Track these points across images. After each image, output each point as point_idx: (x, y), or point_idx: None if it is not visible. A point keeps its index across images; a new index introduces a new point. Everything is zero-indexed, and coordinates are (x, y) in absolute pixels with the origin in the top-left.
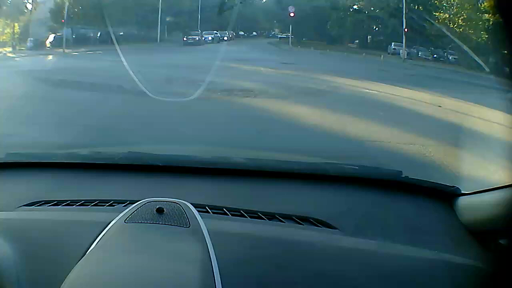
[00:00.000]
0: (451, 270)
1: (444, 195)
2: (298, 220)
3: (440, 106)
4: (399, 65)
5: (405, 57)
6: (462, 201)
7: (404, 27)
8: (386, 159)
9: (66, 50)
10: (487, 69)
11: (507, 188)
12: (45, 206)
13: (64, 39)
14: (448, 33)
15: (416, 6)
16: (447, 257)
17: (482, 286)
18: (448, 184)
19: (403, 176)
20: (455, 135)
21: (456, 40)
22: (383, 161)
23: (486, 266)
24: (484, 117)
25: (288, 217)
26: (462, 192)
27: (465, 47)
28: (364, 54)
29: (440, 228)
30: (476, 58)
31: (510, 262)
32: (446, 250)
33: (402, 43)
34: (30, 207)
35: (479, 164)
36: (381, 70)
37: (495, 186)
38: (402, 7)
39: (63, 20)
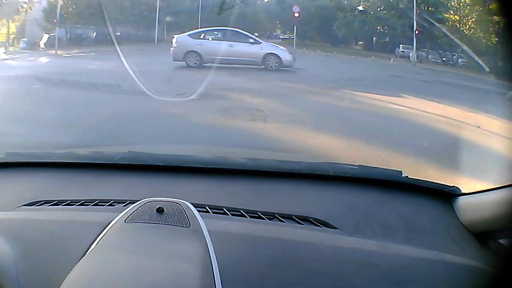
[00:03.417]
0: (451, 270)
1: (444, 195)
2: (298, 220)
3: (479, 127)
4: (411, 69)
5: (416, 60)
6: (462, 201)
7: (414, 29)
8: (387, 159)
9: (59, 51)
10: (487, 69)
11: (507, 188)
12: (45, 206)
13: (56, 40)
14: (458, 36)
15: (426, 7)
16: (447, 257)
17: (482, 286)
18: (448, 184)
19: (403, 176)
20: (455, 135)
21: (463, 45)
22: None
23: (486, 266)
24: (484, 117)
25: (288, 217)
26: (462, 192)
27: (469, 51)
28: (372, 57)
29: (440, 228)
30: (480, 62)
31: (510, 262)
32: (446, 250)
33: (412, 45)
34: (30, 206)
35: (479, 164)
36: (395, 76)
37: (495, 186)
38: (413, 8)
39: (55, 20)
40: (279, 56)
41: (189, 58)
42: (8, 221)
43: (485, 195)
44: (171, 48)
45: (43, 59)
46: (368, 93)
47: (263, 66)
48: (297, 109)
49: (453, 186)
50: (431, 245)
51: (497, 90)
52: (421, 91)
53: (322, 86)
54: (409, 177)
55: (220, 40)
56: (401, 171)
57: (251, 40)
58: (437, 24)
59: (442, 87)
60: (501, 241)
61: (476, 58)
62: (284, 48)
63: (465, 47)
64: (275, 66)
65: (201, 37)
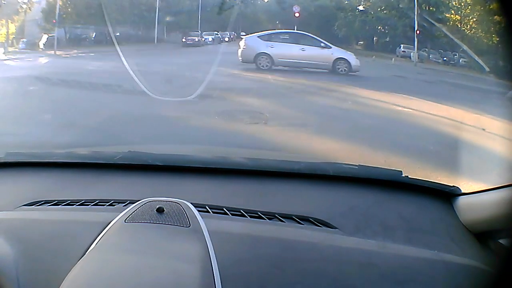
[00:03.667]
0: (451, 270)
1: (444, 195)
2: (298, 220)
3: (483, 130)
4: (412, 69)
5: (417, 60)
6: (462, 201)
7: (416, 29)
8: (393, 164)
9: (58, 52)
10: (487, 69)
11: (507, 188)
12: (45, 206)
13: (55, 40)
14: (459, 36)
15: (427, 7)
16: (447, 257)
17: (482, 286)
18: (448, 184)
19: (403, 176)
20: (455, 134)
21: (463, 45)
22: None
23: (486, 266)
24: (484, 118)
25: (288, 217)
26: (462, 192)
27: (469, 51)
28: (374, 57)
29: (440, 228)
30: (480, 62)
31: (510, 262)
32: (446, 250)
33: (414, 45)
34: (30, 206)
35: (479, 164)
36: (396, 76)
37: (495, 186)
38: (414, 8)
39: (54, 21)
40: (348, 61)
41: (259, 61)
42: (8, 221)
43: (485, 195)
44: (239, 50)
45: (42, 60)
46: (371, 94)
47: (327, 71)
48: (299, 111)
49: (453, 186)
50: (431, 245)
51: (498, 90)
52: (424, 91)
53: (323, 87)
54: (409, 177)
55: (289, 43)
56: (401, 171)
57: (322, 44)
58: (438, 24)
59: (444, 87)
60: (501, 241)
61: (476, 58)
62: (352, 53)
63: (465, 47)
64: (344, 70)
65: (271, 39)
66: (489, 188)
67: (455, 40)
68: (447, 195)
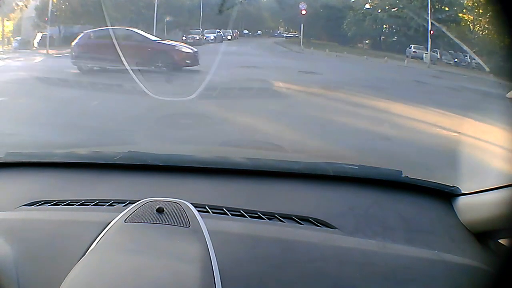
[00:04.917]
0: (451, 270)
1: (444, 195)
2: (298, 220)
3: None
4: (427, 72)
5: (430, 62)
6: (462, 201)
7: (429, 29)
8: (386, 158)
9: (50, 51)
10: (487, 69)
11: (507, 188)
12: (45, 206)
13: (48, 39)
14: (472, 36)
15: (440, 6)
16: (447, 257)
17: (482, 286)
18: (448, 184)
19: (403, 176)
20: (455, 134)
21: (462, 45)
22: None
23: (486, 266)
24: (483, 116)
25: (288, 217)
26: (462, 192)
27: (472, 54)
28: (386, 58)
29: (440, 228)
30: (481, 62)
31: (510, 262)
32: (446, 250)
33: (427, 46)
34: (30, 206)
35: (479, 164)
36: (417, 81)
37: (495, 186)
38: (427, 6)
39: (46, 18)
40: None
41: None
42: (8, 221)
43: (485, 195)
44: None
45: (32, 60)
46: (405, 109)
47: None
48: (330, 142)
49: (453, 186)
50: (431, 245)
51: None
52: (454, 104)
53: (351, 101)
54: (409, 177)
55: None
56: (401, 171)
57: None
58: (450, 24)
59: (471, 96)
60: (501, 241)
61: (477, 58)
62: None
63: (464, 47)
64: None
65: None
66: (489, 188)
67: (467, 40)
68: (447, 195)
